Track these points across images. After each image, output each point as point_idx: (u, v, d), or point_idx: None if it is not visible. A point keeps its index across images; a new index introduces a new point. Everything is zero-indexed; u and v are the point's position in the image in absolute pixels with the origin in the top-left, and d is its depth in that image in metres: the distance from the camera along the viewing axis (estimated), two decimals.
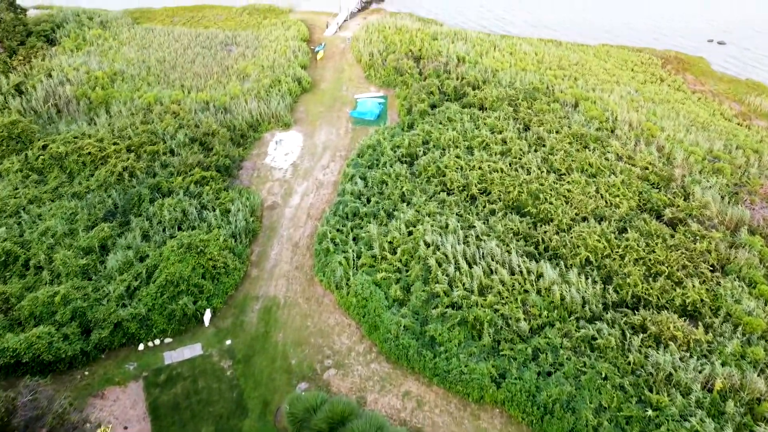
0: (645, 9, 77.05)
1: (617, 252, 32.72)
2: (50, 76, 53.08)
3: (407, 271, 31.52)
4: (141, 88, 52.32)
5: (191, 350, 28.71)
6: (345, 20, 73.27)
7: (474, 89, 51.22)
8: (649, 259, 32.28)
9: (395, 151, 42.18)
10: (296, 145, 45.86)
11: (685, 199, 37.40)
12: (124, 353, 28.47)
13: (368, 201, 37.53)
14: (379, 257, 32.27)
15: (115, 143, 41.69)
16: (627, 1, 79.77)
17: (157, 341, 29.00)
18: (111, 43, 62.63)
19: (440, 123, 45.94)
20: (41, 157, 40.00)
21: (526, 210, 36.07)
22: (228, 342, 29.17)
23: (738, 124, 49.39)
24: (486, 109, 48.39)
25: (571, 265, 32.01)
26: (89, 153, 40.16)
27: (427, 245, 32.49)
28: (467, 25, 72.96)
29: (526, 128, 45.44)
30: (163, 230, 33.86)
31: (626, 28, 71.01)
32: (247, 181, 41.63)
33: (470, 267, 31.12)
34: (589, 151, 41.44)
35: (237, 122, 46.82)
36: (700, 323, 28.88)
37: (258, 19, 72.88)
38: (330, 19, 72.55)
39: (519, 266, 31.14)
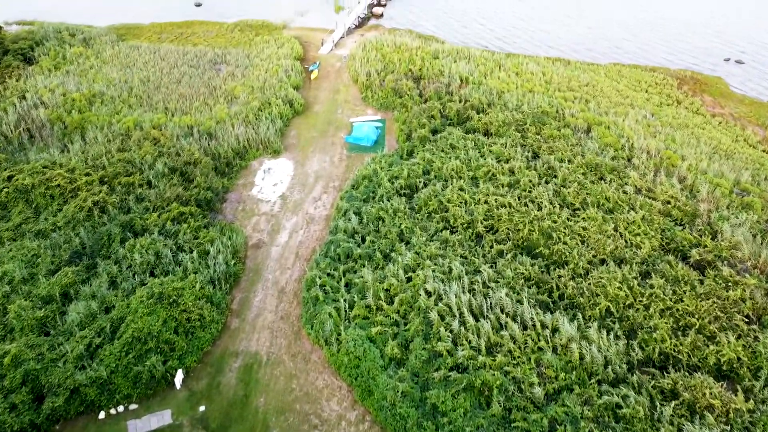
0: (657, 26, 74.78)
1: (641, 301, 29.79)
2: (24, 98, 50.54)
3: (406, 324, 28.54)
4: (121, 111, 49.73)
5: (159, 418, 25.64)
6: (341, 37, 71.01)
7: (478, 113, 48.62)
8: (677, 310, 29.35)
9: (393, 183, 39.41)
10: (286, 175, 43.09)
11: (712, 238, 34.52)
12: (82, 423, 25.40)
13: (363, 240, 34.65)
14: (374, 307, 29.31)
15: (87, 174, 38.92)
16: (637, 18, 77.53)
17: (121, 408, 25.95)
18: (93, 62, 60.20)
19: (442, 150, 43.25)
20: (5, 189, 37.21)
21: (537, 251, 33.20)
22: (201, 408, 26.10)
23: (764, 152, 46.69)
24: (491, 134, 45.74)
25: (590, 316, 29.04)
26: (58, 185, 37.38)
27: (429, 294, 29.54)
28: (469, 43, 70.67)
29: (535, 156, 42.75)
30: (134, 275, 30.94)
31: (637, 46, 68.67)
32: (231, 215, 38.78)
33: (477, 320, 28.14)
34: (605, 183, 38.65)
35: (222, 149, 44.12)
36: (738, 387, 25.87)
37: (250, 36, 70.62)
38: (325, 36, 70.30)
39: (532, 319, 28.18)
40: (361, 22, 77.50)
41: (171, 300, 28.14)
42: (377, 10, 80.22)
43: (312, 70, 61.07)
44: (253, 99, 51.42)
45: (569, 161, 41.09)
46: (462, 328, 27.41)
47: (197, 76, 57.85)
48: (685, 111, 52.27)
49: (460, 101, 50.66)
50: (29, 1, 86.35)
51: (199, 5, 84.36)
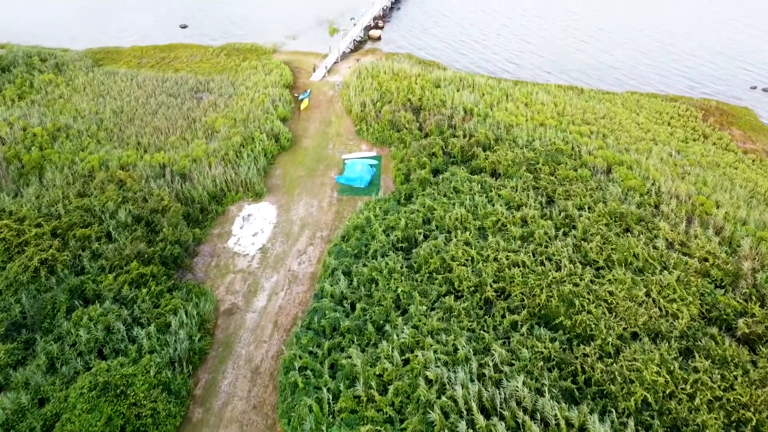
0: (675, 51, 71.40)
1: (684, 390, 25.47)
2: None
3: (402, 422, 24.13)
4: (87, 148, 45.92)
5: None
6: (335, 62, 67.57)
7: (485, 150, 44.76)
8: (728, 400, 25.04)
9: (389, 235, 35.30)
10: (268, 222, 39.01)
11: (761, 305, 30.31)
12: None
13: (352, 308, 30.42)
14: (365, 398, 24.96)
15: (38, 225, 34.84)
16: (654, 42, 74.21)
17: None
18: (62, 91, 56.61)
19: (445, 195, 39.27)
20: None
21: (557, 321, 28.96)
22: None
23: None
24: (500, 175, 41.84)
25: (624, 409, 24.68)
26: (3, 239, 33.25)
27: (429, 383, 25.21)
28: (473, 68, 67.24)
29: (550, 201, 38.77)
30: (78, 356, 26.63)
31: (655, 73, 65.16)
32: (202, 273, 34.59)
33: (488, 418, 23.77)
34: (632, 236, 34.54)
35: (197, 193, 40.14)
36: None
37: (237, 61, 67.21)
38: (318, 61, 66.85)
39: (555, 416, 23.80)
40: (357, 46, 74.19)
41: (118, 391, 23.85)
42: (374, 32, 77.01)
43: (302, 99, 57.46)
44: (235, 133, 47.59)
45: (589, 209, 37.06)
46: (470, 431, 23.01)
47: (176, 107, 54.17)
48: (713, 147, 48.41)
49: (465, 136, 46.83)
50: (3, 22, 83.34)
51: (184, 27, 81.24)
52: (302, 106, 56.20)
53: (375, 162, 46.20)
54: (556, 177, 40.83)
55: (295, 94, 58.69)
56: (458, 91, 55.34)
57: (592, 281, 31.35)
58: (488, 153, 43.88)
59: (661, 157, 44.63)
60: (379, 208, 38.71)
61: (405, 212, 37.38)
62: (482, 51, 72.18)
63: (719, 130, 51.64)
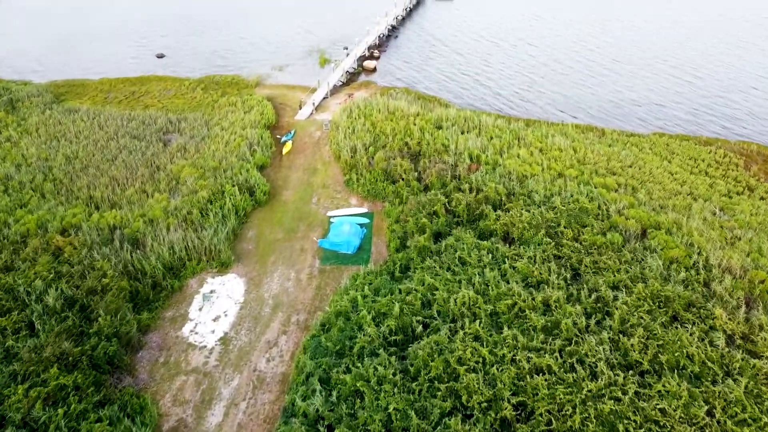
0: (705, 86, 66.37)
1: None
2: None
3: None
4: (29, 203, 40.38)
5: None
6: (324, 97, 62.46)
7: (495, 208, 39.14)
8: None
9: (379, 325, 29.38)
10: (233, 302, 33.12)
11: None
12: None
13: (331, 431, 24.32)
14: None
15: None
16: (680, 75, 69.27)
17: None
18: (10, 133, 51.32)
19: (448, 269, 33.48)
20: None
21: None
22: None
23: None
24: (514, 240, 36.07)
25: None
26: None
27: None
28: (478, 104, 62.15)
29: (576, 275, 32.97)
30: None
31: (684, 111, 59.95)
32: (146, 373, 28.55)
33: None
34: (682, 327, 28.60)
35: (150, 264, 34.27)
36: None
37: (215, 96, 62.12)
38: (305, 96, 61.73)
39: None
40: (350, 78, 69.23)
41: None
42: (369, 63, 72.15)
43: (285, 141, 52.14)
44: (203, 186, 42.01)
45: (626, 288, 31.18)
46: None
47: (139, 151, 48.77)
48: (762, 203, 42.71)
49: (471, 190, 41.23)
50: None
51: (161, 57, 76.49)
52: (284, 150, 50.78)
53: (366, 221, 40.52)
54: (581, 243, 35.07)
55: (278, 136, 53.35)
56: (463, 133, 50.00)
57: (637, 393, 25.31)
58: (500, 213, 38.21)
59: (704, 217, 38.96)
60: (369, 285, 32.82)
61: (400, 293, 31.49)
62: (487, 84, 67.18)
63: (765, 182, 46.04)
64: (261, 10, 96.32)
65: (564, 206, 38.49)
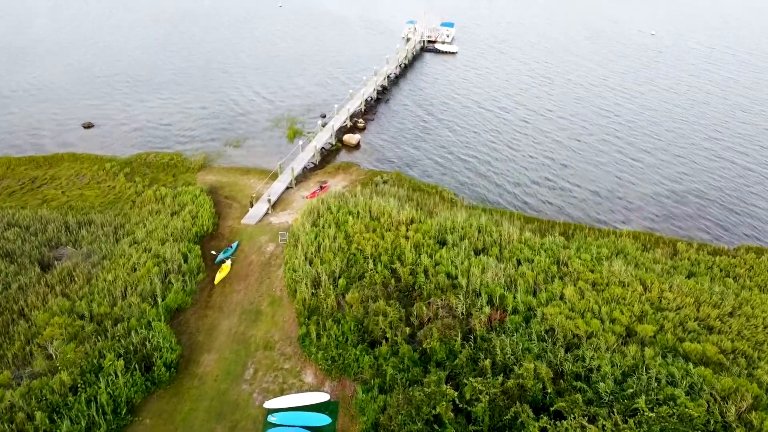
0: None
1: None
2: None
3: None
4: None
5: None
6: (288, 187, 49.46)
7: (538, 409, 25.17)
8: None
9: None
10: None
11: None
12: None
13: None
14: None
15: None
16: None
17: None
18: None
19: None
20: None
21: None
22: None
23: None
24: None
25: None
26: None
27: None
28: (491, 198, 49.20)
29: None
30: None
31: None
32: None
33: None
34: None
35: None
36: None
37: (140, 185, 49.24)
38: (261, 185, 48.69)
39: None
40: (325, 157, 56.49)
41: None
42: (351, 138, 59.58)
43: (221, 261, 38.70)
44: (69, 361, 28.08)
45: None
46: None
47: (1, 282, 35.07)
48: None
49: (495, 367, 27.44)
50: None
51: (88, 127, 63.90)
52: (219, 275, 37.25)
53: (324, 423, 26.50)
54: None
55: (212, 252, 39.88)
56: (477, 254, 36.68)
57: None
58: (545, 420, 24.23)
59: None
60: None
61: None
62: (500, 169, 54.46)
63: None
64: (222, 66, 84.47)
65: (650, 406, 24.54)
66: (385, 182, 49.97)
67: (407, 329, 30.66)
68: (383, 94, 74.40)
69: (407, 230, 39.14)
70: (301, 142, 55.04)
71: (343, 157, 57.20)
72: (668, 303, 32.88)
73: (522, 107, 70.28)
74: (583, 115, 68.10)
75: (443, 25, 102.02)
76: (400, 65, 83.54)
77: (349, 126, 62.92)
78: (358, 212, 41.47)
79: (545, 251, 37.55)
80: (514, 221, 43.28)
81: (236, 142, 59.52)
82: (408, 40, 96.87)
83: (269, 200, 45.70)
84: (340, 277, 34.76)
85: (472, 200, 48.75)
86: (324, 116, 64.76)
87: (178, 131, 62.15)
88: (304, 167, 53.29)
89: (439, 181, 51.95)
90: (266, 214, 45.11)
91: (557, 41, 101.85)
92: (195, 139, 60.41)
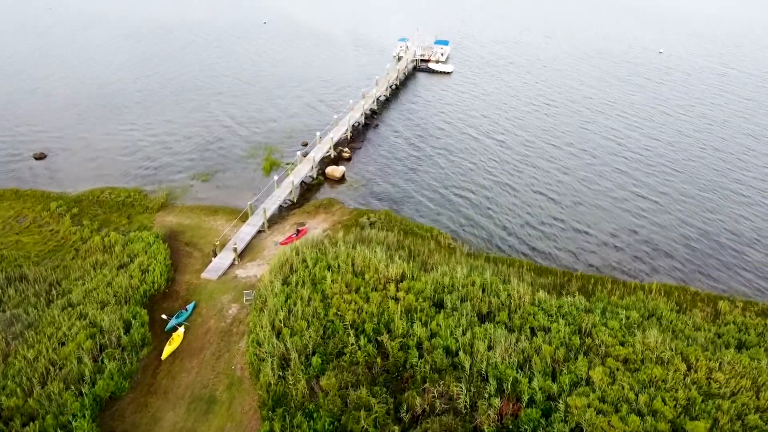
0: None
1: None
2: None
3: None
4: None
5: None
6: (260, 231, 43.61)
7: None
8: None
9: None
10: None
11: None
12: None
13: None
14: None
15: None
16: None
17: None
18: None
19: None
20: None
21: None
22: None
23: None
24: None
25: None
26: None
27: None
28: (495, 242, 43.60)
29: None
30: None
31: None
32: None
33: None
34: None
35: None
36: None
37: (87, 230, 43.43)
38: (228, 228, 42.84)
39: None
40: (305, 192, 50.76)
41: None
42: (334, 170, 53.89)
43: (172, 328, 32.70)
44: None
45: None
46: None
47: None
48: None
49: None
50: None
51: (40, 158, 57.93)
52: (168, 348, 31.22)
53: None
54: None
55: (162, 316, 33.80)
56: (482, 322, 30.82)
57: None
58: None
59: None
60: None
61: None
62: (503, 207, 48.87)
63: None
64: (196, 87, 78.85)
65: None
66: (372, 224, 44.24)
67: (396, 429, 24.72)
68: (372, 118, 68.98)
69: (397, 290, 33.35)
70: (276, 177, 49.25)
71: (326, 192, 51.46)
72: (719, 387, 27.10)
73: (524, 133, 65.05)
74: (592, 142, 62.89)
75: (437, 42, 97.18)
76: (390, 86, 78.25)
77: (333, 156, 57.31)
78: (339, 266, 35.65)
79: (564, 317, 31.75)
80: (523, 274, 37.55)
81: (205, 175, 53.70)
82: (399, 59, 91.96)
83: (235, 249, 39.81)
84: (314, 354, 28.88)
85: (472, 244, 43.05)
86: (305, 144, 59.27)
87: (141, 162, 56.30)
88: (280, 206, 47.55)
89: (435, 221, 46.24)
90: (231, 265, 39.20)
91: (559, 60, 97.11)
92: (159, 171, 54.58)
